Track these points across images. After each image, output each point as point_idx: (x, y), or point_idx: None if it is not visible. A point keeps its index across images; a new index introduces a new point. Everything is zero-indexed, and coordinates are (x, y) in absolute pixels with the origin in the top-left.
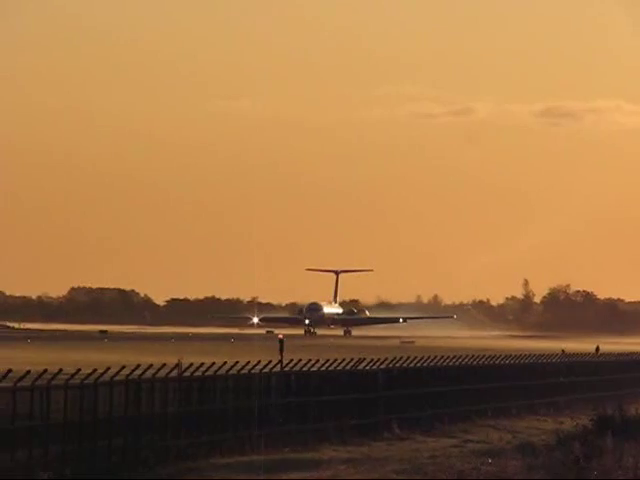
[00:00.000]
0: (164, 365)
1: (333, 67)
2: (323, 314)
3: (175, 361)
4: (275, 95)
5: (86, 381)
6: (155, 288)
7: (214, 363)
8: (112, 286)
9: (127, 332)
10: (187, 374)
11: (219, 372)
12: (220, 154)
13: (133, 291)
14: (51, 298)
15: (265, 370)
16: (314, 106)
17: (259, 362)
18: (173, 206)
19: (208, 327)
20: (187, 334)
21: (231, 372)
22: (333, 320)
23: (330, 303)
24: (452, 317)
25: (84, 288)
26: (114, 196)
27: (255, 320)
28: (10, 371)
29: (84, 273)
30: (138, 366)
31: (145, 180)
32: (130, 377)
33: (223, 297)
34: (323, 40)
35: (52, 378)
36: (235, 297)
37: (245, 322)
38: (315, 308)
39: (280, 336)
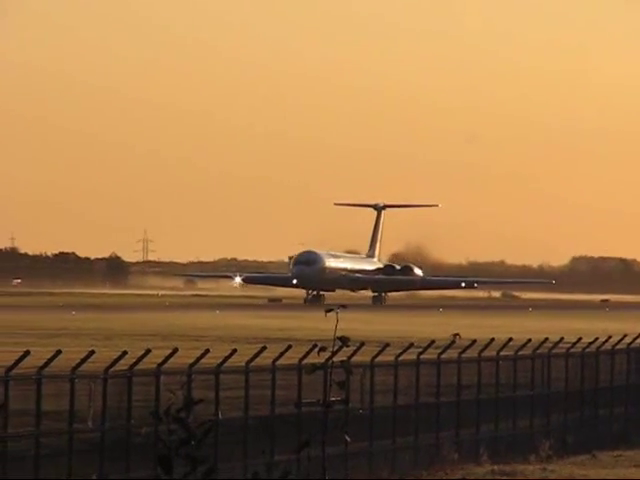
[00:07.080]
0: None
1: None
2: (321, 269)
3: None
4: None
5: (587, 350)
6: None
7: None
8: (614, 255)
9: (629, 301)
10: None
11: None
12: None
13: (635, 260)
14: (552, 267)
15: None
16: None
17: None
18: None
19: None
20: None
21: None
22: (354, 280)
23: (359, 254)
24: (551, 282)
25: (585, 257)
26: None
27: (237, 279)
28: (511, 340)
29: (586, 242)
30: None
31: None
32: (632, 346)
33: None
34: None
35: (553, 347)
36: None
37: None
38: (307, 260)
39: None
